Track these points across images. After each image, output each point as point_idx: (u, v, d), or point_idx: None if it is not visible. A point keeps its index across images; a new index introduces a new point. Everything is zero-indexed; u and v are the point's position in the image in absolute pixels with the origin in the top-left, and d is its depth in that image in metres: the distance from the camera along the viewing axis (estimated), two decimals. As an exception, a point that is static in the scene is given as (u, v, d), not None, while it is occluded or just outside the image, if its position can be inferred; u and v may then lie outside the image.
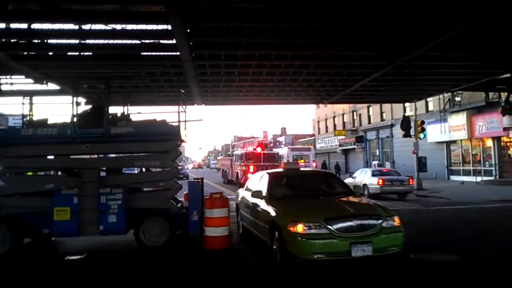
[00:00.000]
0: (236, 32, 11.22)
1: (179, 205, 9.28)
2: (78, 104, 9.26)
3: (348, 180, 22.00)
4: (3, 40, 12.36)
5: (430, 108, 31.08)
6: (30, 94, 14.12)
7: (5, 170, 8.62)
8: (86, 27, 12.22)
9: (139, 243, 8.28)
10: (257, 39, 11.74)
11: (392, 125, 35.73)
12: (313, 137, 55.09)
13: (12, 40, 12.79)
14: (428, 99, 28.46)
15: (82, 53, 14.05)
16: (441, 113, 28.27)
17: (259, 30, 11.10)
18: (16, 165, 8.72)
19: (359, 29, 10.98)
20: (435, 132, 28.82)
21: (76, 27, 12.21)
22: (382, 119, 38.15)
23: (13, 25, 12.13)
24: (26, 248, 8.62)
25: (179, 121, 9.76)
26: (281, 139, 55.14)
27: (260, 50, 12.60)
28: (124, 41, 12.93)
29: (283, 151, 35.97)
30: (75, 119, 9.00)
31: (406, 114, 26.59)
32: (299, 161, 33.16)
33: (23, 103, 10.05)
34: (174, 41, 11.97)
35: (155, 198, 8.92)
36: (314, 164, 34.89)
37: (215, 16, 10.05)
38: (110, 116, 9.22)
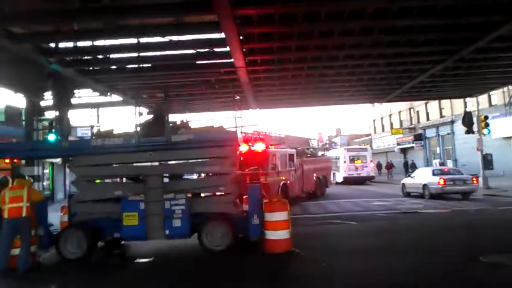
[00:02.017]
0: (287, 36, 11.34)
1: (239, 209, 9.48)
2: (140, 114, 9.71)
3: (406, 180, 21.33)
4: (72, 57, 13.28)
5: (494, 102, 29.36)
6: (96, 106, 15.09)
7: (79, 179, 9.23)
8: (144, 40, 12.85)
9: (203, 247, 8.54)
10: (308, 41, 11.80)
11: (452, 122, 34.15)
12: (369, 137, 53.85)
13: (79, 57, 13.70)
14: (491, 93, 26.91)
15: (141, 65, 14.77)
16: (506, 107, 26.68)
17: (310, 33, 11.15)
18: (88, 173, 9.30)
19: (412, 26, 10.71)
20: (500, 127, 27.20)
21: (135, 41, 12.87)
22: (441, 116, 36.58)
23: (79, 43, 12.99)
24: (100, 251, 9.16)
25: (236, 127, 9.98)
26: (336, 139, 54.37)
27: (311, 52, 12.63)
28: (180, 52, 13.45)
29: (339, 152, 35.43)
30: (138, 129, 9.48)
31: (468, 109, 25.36)
32: (355, 161, 32.57)
33: (91, 115, 10.68)
34: (227, 49, 12.28)
35: (216, 203, 9.18)
36: (372, 164, 34.04)
37: (266, 22, 10.22)
38: (171, 125, 9.59)
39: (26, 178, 8.62)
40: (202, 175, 10.39)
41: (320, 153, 29.41)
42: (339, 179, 32.16)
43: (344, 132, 64.51)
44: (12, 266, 7.63)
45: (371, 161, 33.70)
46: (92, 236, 8.62)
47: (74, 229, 8.69)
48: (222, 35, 11.28)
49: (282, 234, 8.11)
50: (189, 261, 8.31)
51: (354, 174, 32.15)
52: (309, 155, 23.07)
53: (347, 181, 31.67)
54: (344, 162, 32.39)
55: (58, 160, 21.33)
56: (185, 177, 10.14)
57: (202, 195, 9.51)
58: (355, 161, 32.50)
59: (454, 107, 33.28)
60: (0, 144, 10.22)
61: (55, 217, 10.19)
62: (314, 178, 21.32)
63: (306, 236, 9.75)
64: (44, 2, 9.72)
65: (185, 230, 8.66)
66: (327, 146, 42.58)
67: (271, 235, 8.14)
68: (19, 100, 13.88)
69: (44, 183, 18.90)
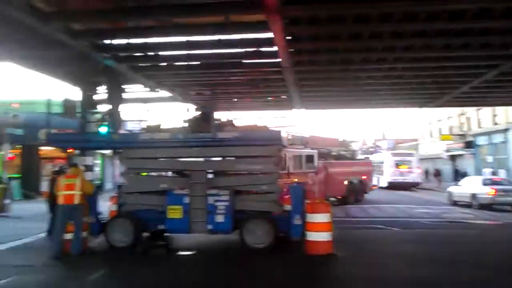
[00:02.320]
0: (335, 37, 11.24)
1: (281, 208, 9.52)
2: (188, 110, 9.95)
3: (453, 189, 20.56)
4: (124, 54, 13.79)
5: (554, 110, 27.73)
6: (145, 101, 15.63)
7: (127, 171, 9.60)
8: (193, 38, 13.15)
9: (244, 244, 8.65)
10: (356, 43, 11.64)
11: (506, 130, 32.52)
12: (416, 142, 52.26)
13: (131, 54, 14.22)
14: (552, 101, 25.35)
15: (189, 63, 15.11)
16: None
17: (358, 35, 11.00)
18: (135, 166, 9.66)
19: (465, 28, 10.32)
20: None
21: (184, 39, 13.20)
22: (494, 123, 34.90)
23: (131, 40, 13.47)
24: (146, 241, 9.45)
25: (280, 126, 10.03)
26: (382, 143, 53.19)
27: (359, 53, 12.45)
28: (227, 50, 13.65)
29: (384, 156, 34.65)
30: (186, 124, 9.73)
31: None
32: (399, 166, 31.72)
33: (140, 110, 11.06)
34: (274, 48, 12.34)
35: (258, 201, 9.26)
36: (419, 171, 33.00)
37: (314, 23, 10.18)
38: (217, 122, 9.77)
39: (79, 167, 9.07)
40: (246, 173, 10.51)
41: (362, 157, 28.66)
42: (383, 183, 31.45)
43: (389, 136, 62.97)
44: (65, 250, 8.08)
45: (418, 166, 32.68)
46: (138, 226, 8.94)
47: (122, 218, 9.07)
48: (270, 35, 11.36)
49: (323, 236, 8.07)
50: (230, 257, 8.45)
51: (399, 179, 31.29)
52: (338, 157, 21.52)
53: (392, 186, 30.91)
54: (389, 166, 31.60)
55: (108, 152, 22.24)
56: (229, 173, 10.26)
57: (246, 192, 9.60)
58: (401, 166, 31.64)
59: (509, 114, 31.68)
60: (56, 134, 10.72)
61: (104, 206, 10.63)
62: (346, 182, 20.09)
63: (348, 239, 9.65)
64: (100, 1, 10.20)
65: (227, 226, 8.81)
66: (372, 149, 41.69)
67: (312, 236, 8.12)
68: (75, 94, 14.61)
69: (94, 173, 19.74)
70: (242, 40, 12.59)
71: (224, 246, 9.37)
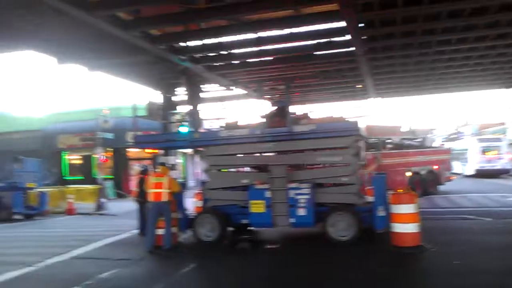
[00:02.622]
0: (411, 20, 10.74)
1: (363, 199, 9.34)
2: (264, 105, 10.09)
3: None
4: (200, 54, 14.31)
5: None
6: (222, 99, 16.10)
7: (209, 168, 9.98)
8: (264, 34, 13.27)
9: (327, 237, 8.62)
10: (434, 24, 11.03)
11: None
12: (503, 126, 48.29)
13: (206, 54, 14.71)
14: None
15: (262, 59, 15.29)
16: None
17: (436, 15, 10.41)
18: (217, 163, 10.00)
19: None
20: None
21: (255, 35, 13.36)
22: None
23: (206, 41, 13.92)
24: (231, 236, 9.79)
25: (356, 117, 9.83)
26: (464, 129, 49.89)
27: (437, 35, 11.80)
28: (299, 43, 13.61)
29: (468, 142, 32.50)
30: (263, 120, 9.87)
31: None
32: (486, 152, 29.56)
33: (217, 108, 11.41)
34: (346, 38, 12.07)
35: (340, 193, 9.15)
36: (509, 156, 30.45)
37: (388, 6, 9.80)
38: (292, 116, 9.80)
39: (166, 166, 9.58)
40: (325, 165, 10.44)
41: (437, 144, 26.55)
42: (469, 171, 29.48)
43: (473, 121, 58.77)
44: (158, 244, 8.61)
45: (507, 152, 30.18)
46: (223, 221, 9.26)
47: (207, 214, 9.45)
48: (341, 24, 11.13)
49: (410, 228, 7.78)
50: (314, 250, 8.45)
51: (487, 166, 29.10)
52: (400, 147, 19.26)
53: (479, 174, 28.89)
54: (475, 153, 29.52)
55: (189, 150, 23.23)
56: (308, 167, 10.25)
57: (326, 185, 9.55)
58: (488, 152, 29.43)
59: None
60: (142, 136, 11.40)
61: (189, 202, 11.14)
62: (409, 174, 18.21)
63: (436, 230, 9.23)
64: (175, 4, 10.66)
65: (309, 219, 8.82)
66: (454, 136, 39.22)
67: (398, 228, 7.87)
68: (157, 97, 15.41)
69: (178, 171, 20.76)
70: (313, 31, 12.50)
71: (308, 239, 9.40)
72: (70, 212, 17.18)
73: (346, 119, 9.98)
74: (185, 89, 14.39)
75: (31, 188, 16.58)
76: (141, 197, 10.40)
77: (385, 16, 10.48)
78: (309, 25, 12.20)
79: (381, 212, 8.29)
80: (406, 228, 7.77)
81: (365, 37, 11.67)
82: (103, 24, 9.90)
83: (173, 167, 12.66)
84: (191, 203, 10.65)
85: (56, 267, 7.63)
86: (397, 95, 21.48)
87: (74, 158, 27.37)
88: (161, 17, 11.06)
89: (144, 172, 10.89)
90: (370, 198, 9.03)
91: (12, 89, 78.15)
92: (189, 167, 27.37)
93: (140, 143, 11.13)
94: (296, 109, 11.38)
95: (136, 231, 10.73)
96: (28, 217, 15.96)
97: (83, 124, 24.53)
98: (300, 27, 12.42)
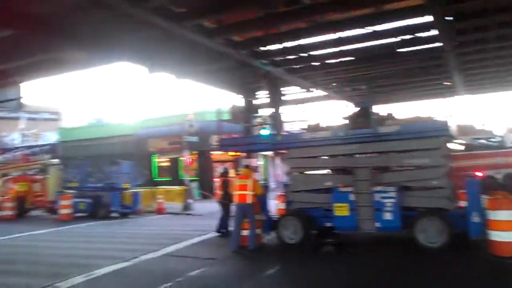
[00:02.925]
0: (507, 8, 9.92)
1: (456, 204, 8.80)
2: (346, 106, 9.92)
3: None
4: (280, 58, 14.47)
5: None
6: (302, 101, 16.11)
7: (291, 170, 10.04)
8: (343, 34, 13.06)
9: (416, 242, 8.23)
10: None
11: None
12: None
13: (286, 57, 14.84)
14: None
15: (342, 59, 15.06)
16: None
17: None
18: (299, 165, 10.03)
19: None
20: None
21: (335, 36, 13.19)
22: None
23: (285, 44, 14.04)
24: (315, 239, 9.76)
25: (446, 116, 9.29)
26: None
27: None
28: (380, 41, 13.20)
29: None
30: (345, 122, 9.72)
31: None
32: None
33: (298, 110, 11.44)
34: (432, 33, 11.47)
35: (429, 197, 8.70)
36: None
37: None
38: (376, 116, 9.52)
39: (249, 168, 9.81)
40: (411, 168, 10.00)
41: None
42: None
43: None
44: (242, 245, 8.86)
45: None
46: (307, 224, 9.25)
47: (291, 216, 9.50)
48: (426, 19, 10.61)
49: (510, 236, 7.17)
50: (401, 256, 8.12)
51: None
52: (470, 148, 16.81)
53: None
54: None
55: (270, 153, 23.59)
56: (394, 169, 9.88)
57: (414, 189, 9.14)
58: None
59: None
60: (226, 139, 11.80)
61: (271, 205, 11.30)
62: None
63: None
64: (255, 10, 10.90)
65: (396, 223, 8.51)
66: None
67: (496, 236, 7.27)
68: (238, 101, 15.85)
69: (259, 174, 21.16)
70: (396, 28, 12.06)
71: (395, 244, 9.08)
72: (160, 211, 18.27)
73: (434, 119, 9.49)
74: (266, 92, 14.63)
75: (126, 189, 17.91)
76: (225, 198, 10.78)
77: (476, 7, 9.82)
78: (392, 21, 11.80)
79: (475, 218, 7.75)
80: (504, 237, 7.17)
81: (455, 30, 11.01)
82: (189, 34, 10.42)
83: (254, 169, 12.92)
84: (273, 205, 10.80)
85: (150, 263, 8.16)
86: (489, 90, 19.93)
87: (163, 161, 29.09)
88: (242, 23, 11.37)
89: (224, 174, 11.24)
90: (462, 203, 8.49)
91: (109, 99, 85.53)
92: (270, 169, 27.72)
93: (224, 146, 11.52)
94: (380, 110, 11.06)
95: (220, 232, 11.08)
96: (123, 215, 17.24)
97: (170, 129, 25.92)
98: (382, 25, 12.07)
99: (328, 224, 9.26)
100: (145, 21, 9.69)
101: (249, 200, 8.90)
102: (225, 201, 10.85)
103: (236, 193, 9.02)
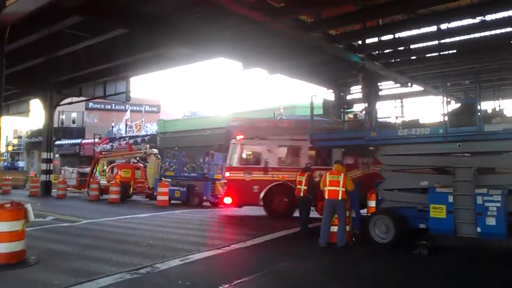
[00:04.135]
0: None
1: None
2: (448, 102, 9.33)
3: None
4: (376, 52, 14.04)
5: None
6: (398, 97, 15.41)
7: (385, 167, 9.71)
8: (445, 26, 12.27)
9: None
10: None
11: None
12: None
13: (383, 51, 14.36)
14: None
15: (443, 52, 14.18)
16: None
17: None
18: (393, 162, 9.64)
19: None
20: None
21: (435, 28, 12.46)
22: None
23: (382, 38, 13.59)
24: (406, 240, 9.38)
25: None
26: None
27: None
28: (491, 32, 12.18)
29: None
30: (446, 118, 9.14)
31: None
32: None
33: (394, 106, 10.98)
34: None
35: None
36: None
37: None
38: (482, 113, 8.82)
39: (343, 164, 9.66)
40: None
41: None
42: None
43: None
44: (331, 241, 8.80)
45: None
46: (399, 223, 8.90)
47: (382, 215, 9.20)
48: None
49: None
50: (505, 266, 7.48)
51: None
52: None
53: None
54: None
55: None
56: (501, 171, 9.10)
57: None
58: None
59: None
60: (318, 134, 11.70)
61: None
62: None
63: None
64: (353, 3, 10.68)
65: (500, 230, 7.80)
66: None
67: None
68: (331, 95, 15.67)
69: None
70: (508, 18, 11.06)
71: (497, 252, 8.38)
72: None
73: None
74: (361, 87, 14.29)
75: (218, 179, 18.67)
76: (310, 193, 10.72)
77: None
78: (504, 10, 10.84)
79: None
80: None
81: None
82: (287, 29, 10.54)
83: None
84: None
85: (239, 253, 8.43)
86: None
87: (253, 153, 29.73)
88: (340, 16, 11.24)
89: (307, 169, 11.16)
90: None
91: (204, 93, 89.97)
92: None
93: (316, 140, 11.46)
94: (486, 106, 10.24)
95: (305, 227, 11.06)
96: (214, 204, 18.01)
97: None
98: (493, 14, 11.15)
99: (422, 226, 8.81)
100: (244, 17, 9.99)
101: (340, 196, 8.80)
102: (308, 196, 10.79)
103: (327, 188, 8.96)
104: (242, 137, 13.23)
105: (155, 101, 50.03)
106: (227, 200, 13.44)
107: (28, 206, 7.15)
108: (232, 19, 10.42)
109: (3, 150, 44.24)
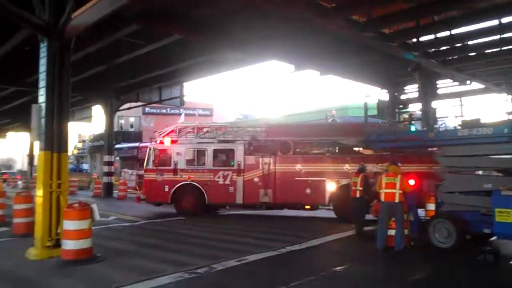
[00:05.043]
0: None
1: None
2: (509, 100, 8.84)
3: None
4: (432, 49, 13.56)
5: None
6: (457, 95, 14.80)
7: (445, 169, 9.34)
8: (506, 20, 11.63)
9: None
10: None
11: None
12: None
13: (439, 48, 13.84)
14: None
15: (503, 48, 13.47)
16: None
17: None
18: (453, 164, 9.26)
19: None
20: None
21: (496, 22, 11.85)
22: None
23: (438, 35, 13.11)
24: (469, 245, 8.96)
25: None
26: None
27: None
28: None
29: None
30: (511, 117, 8.67)
31: None
32: None
33: (453, 105, 10.56)
34: None
35: None
36: None
37: None
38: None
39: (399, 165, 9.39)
40: None
41: None
42: None
43: None
44: (389, 245, 8.59)
45: None
46: (461, 228, 8.52)
47: (443, 219, 8.84)
48: None
49: None
50: None
51: None
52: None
53: None
54: None
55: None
56: None
57: None
58: None
59: None
60: (373, 135, 11.46)
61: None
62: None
63: None
64: (406, 1, 10.40)
65: None
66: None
67: None
68: (384, 95, 15.32)
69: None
70: None
71: None
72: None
73: None
74: (417, 86, 13.86)
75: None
76: (366, 194, 10.50)
77: None
78: None
79: None
80: None
81: None
82: (340, 29, 10.45)
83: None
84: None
85: (295, 255, 8.39)
86: None
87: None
88: (393, 15, 10.99)
89: (361, 171, 10.94)
90: None
91: (256, 95, 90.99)
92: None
93: (370, 142, 11.24)
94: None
95: (370, 228, 10.82)
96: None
97: (313, 124, 26.30)
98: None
99: (486, 230, 8.37)
100: (298, 18, 10.01)
101: (397, 199, 8.57)
102: (364, 197, 10.58)
103: (383, 191, 8.76)
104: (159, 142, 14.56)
105: (208, 105, 51.02)
106: (143, 197, 14.75)
107: (94, 206, 7.58)
108: (284, 21, 10.47)
109: (69, 153, 46.92)
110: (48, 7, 8.23)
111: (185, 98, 26.51)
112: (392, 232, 8.67)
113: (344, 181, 12.51)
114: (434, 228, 8.79)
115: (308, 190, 12.98)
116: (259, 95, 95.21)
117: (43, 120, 8.22)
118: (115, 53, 17.09)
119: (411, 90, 16.72)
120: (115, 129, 30.25)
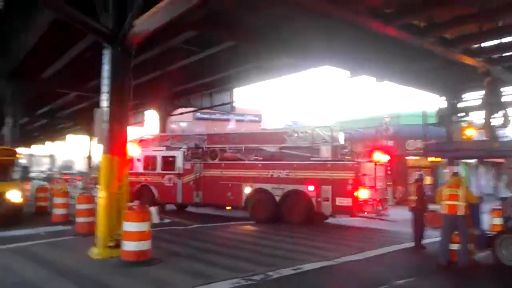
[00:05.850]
0: None
1: None
2: None
3: None
4: (497, 55, 12.88)
5: None
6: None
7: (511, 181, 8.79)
8: None
9: None
10: None
11: None
12: None
13: (503, 54, 13.13)
14: None
15: None
16: None
17: None
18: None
19: None
20: None
21: None
22: None
23: (503, 40, 12.46)
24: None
25: None
26: None
27: None
28: None
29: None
30: None
31: None
32: None
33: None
34: None
35: None
36: None
37: None
38: None
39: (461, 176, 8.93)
40: None
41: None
42: None
43: None
44: (451, 260, 8.14)
45: None
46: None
47: (510, 234, 8.30)
48: None
49: None
50: None
51: None
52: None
53: None
54: None
55: (472, 161, 21.19)
56: None
57: None
58: None
59: None
60: (432, 144, 11.02)
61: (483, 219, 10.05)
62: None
63: None
64: (470, 6, 9.94)
65: None
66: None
67: None
68: (443, 103, 14.67)
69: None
70: None
71: None
72: (353, 215, 18.07)
73: None
74: (478, 93, 13.20)
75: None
76: (421, 205, 10.05)
77: None
78: None
79: None
80: None
81: None
82: (399, 34, 10.16)
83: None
84: (486, 220, 9.59)
85: (352, 266, 8.11)
86: None
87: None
88: (455, 19, 10.56)
89: (419, 180, 10.49)
90: None
91: (306, 102, 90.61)
92: (472, 179, 24.92)
93: (430, 151, 10.80)
94: None
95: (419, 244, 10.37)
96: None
97: (366, 132, 25.74)
98: None
99: None
100: (350, 22, 9.82)
101: (460, 211, 8.12)
102: (420, 209, 10.11)
103: (445, 203, 8.32)
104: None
105: (257, 111, 51.31)
106: None
107: (153, 209, 7.74)
108: (339, 27, 10.28)
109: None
110: (112, 15, 8.54)
111: (234, 104, 26.79)
112: (454, 246, 8.22)
113: (257, 185, 13.72)
114: (501, 244, 8.25)
115: (229, 193, 14.36)
116: (310, 101, 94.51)
117: (105, 124, 8.52)
118: (170, 59, 17.55)
119: (471, 98, 15.95)
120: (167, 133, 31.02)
